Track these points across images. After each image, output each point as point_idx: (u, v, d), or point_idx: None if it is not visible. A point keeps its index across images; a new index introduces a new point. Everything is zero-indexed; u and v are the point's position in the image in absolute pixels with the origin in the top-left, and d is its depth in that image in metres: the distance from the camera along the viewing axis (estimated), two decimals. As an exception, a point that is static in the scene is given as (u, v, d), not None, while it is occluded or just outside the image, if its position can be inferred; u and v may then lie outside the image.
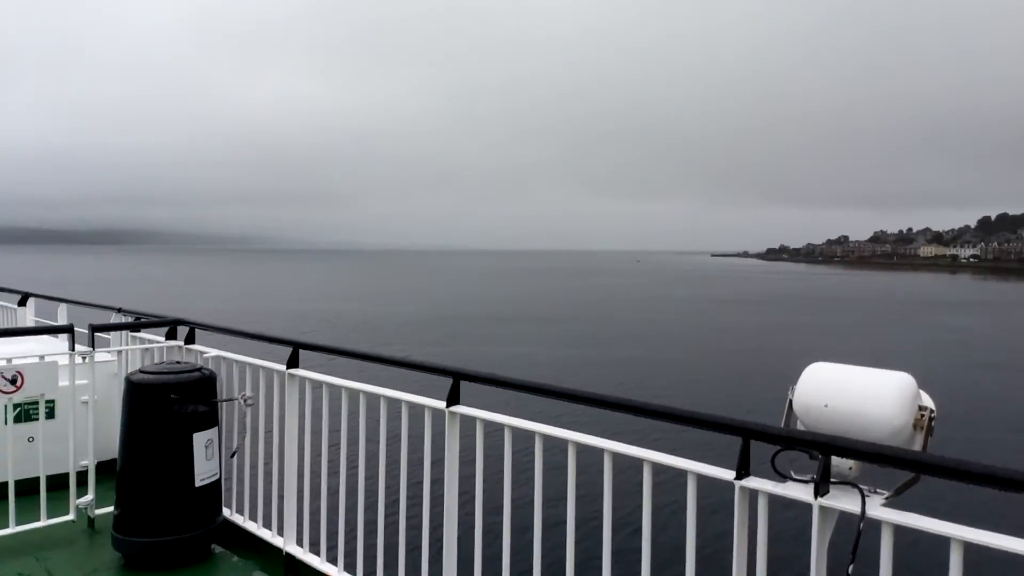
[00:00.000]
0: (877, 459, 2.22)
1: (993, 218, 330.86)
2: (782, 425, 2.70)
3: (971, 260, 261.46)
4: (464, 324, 58.50)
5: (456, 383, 3.76)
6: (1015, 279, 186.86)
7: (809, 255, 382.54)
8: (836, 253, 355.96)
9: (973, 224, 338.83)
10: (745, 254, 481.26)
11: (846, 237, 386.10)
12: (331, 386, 4.50)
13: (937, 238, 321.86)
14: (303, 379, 4.70)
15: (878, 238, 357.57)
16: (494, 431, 3.62)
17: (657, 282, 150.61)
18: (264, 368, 4.92)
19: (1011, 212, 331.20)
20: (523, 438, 3.45)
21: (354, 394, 4.30)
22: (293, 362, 4.76)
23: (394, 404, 4.07)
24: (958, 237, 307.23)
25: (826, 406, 2.37)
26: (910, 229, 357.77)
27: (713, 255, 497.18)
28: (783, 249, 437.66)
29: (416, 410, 3.94)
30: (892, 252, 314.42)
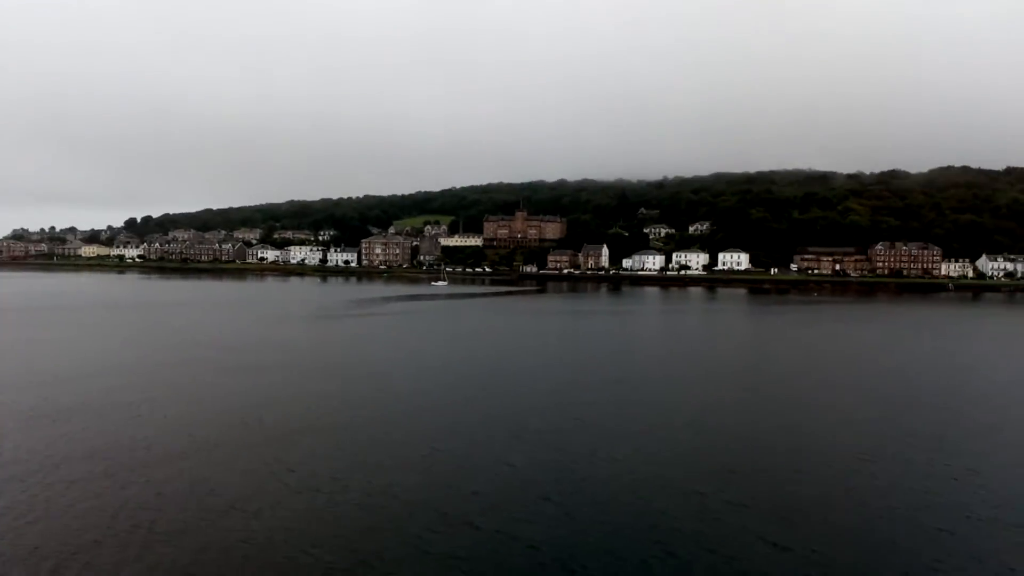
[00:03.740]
0: None
1: (139, 220, 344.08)
2: None
3: (138, 260, 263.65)
4: None
5: None
6: (179, 277, 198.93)
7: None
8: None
9: (119, 224, 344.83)
10: None
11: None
12: None
13: (94, 238, 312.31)
14: None
15: (22, 236, 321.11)
16: None
17: None
18: None
19: (154, 215, 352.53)
20: None
21: None
22: None
23: None
24: (114, 238, 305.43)
25: None
26: (53, 228, 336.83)
27: None
28: None
29: None
30: (51, 252, 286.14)
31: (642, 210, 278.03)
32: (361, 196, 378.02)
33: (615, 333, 75.55)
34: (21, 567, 17.04)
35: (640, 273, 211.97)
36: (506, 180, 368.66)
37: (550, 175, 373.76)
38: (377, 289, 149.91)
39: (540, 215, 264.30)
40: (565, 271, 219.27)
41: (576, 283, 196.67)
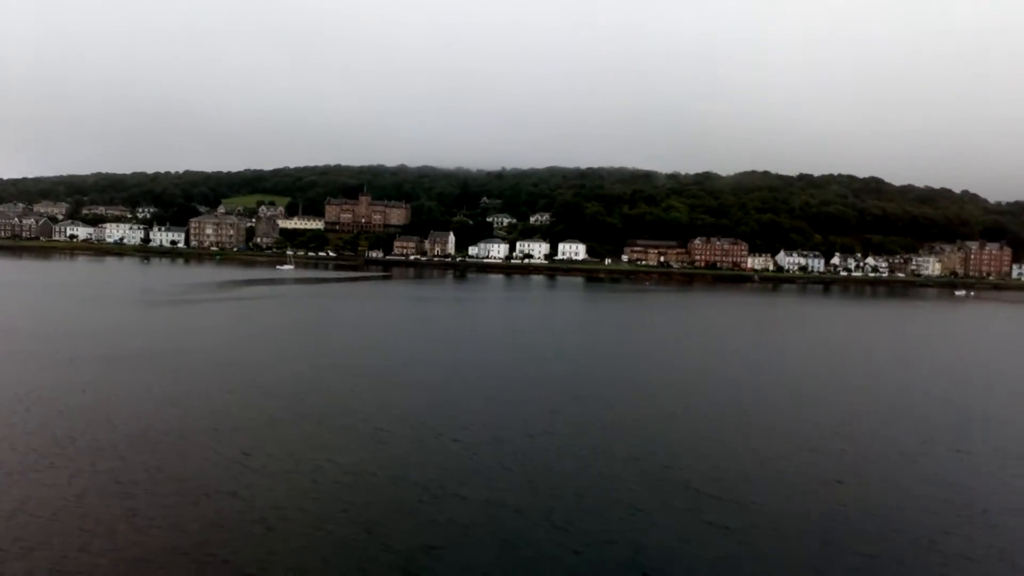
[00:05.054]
0: None
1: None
2: None
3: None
4: None
5: None
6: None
7: None
8: None
9: None
10: None
11: None
12: None
13: None
14: None
15: None
16: None
17: None
18: None
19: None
20: None
21: None
22: None
23: None
24: None
25: None
26: None
27: None
28: None
29: None
30: None
31: (484, 199, 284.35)
32: (182, 171, 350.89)
33: (518, 320, 78.73)
34: None
35: (486, 261, 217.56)
36: (344, 163, 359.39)
37: (390, 160, 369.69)
38: (214, 273, 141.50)
39: (383, 200, 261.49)
40: (412, 257, 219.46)
41: (423, 270, 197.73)
